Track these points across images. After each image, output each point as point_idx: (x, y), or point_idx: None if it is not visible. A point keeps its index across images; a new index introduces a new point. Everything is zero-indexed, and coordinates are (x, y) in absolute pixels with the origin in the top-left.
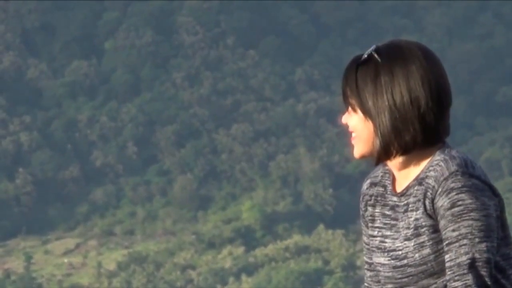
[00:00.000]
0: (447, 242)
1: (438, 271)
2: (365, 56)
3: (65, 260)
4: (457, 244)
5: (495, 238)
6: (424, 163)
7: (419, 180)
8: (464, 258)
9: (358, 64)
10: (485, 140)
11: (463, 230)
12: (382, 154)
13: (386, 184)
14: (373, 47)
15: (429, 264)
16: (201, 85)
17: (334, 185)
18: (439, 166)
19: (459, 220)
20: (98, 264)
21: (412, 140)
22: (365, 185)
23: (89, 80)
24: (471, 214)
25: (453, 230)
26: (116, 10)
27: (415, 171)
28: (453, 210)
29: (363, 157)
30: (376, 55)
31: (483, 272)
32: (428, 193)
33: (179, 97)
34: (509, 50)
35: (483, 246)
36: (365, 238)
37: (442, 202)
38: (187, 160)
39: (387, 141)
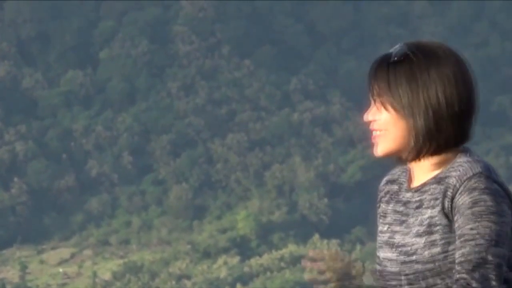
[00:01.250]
0: (462, 238)
1: (445, 271)
2: (398, 55)
3: (60, 270)
4: (473, 242)
5: (508, 247)
6: (445, 164)
7: (438, 179)
8: (477, 256)
9: (389, 63)
10: (480, 149)
11: (481, 230)
12: (415, 154)
13: (402, 181)
14: (402, 46)
15: (436, 263)
16: (196, 94)
17: (329, 195)
18: (462, 166)
19: (478, 219)
20: (93, 274)
21: (445, 141)
22: (382, 182)
23: (84, 90)
24: (491, 216)
25: (471, 229)
26: (112, 19)
27: (434, 169)
28: (473, 209)
29: (386, 155)
30: (411, 55)
31: (491, 275)
32: (448, 192)
33: (174, 106)
34: (504, 59)
35: (497, 250)
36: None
37: (463, 200)
38: (183, 170)
39: (421, 140)
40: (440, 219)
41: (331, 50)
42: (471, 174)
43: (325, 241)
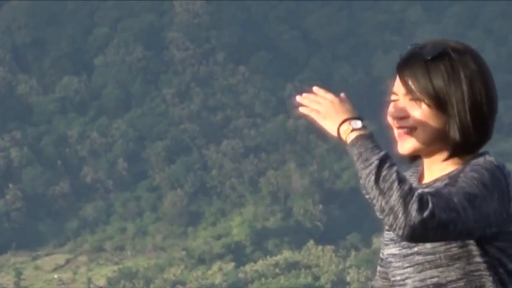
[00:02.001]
0: (450, 184)
1: (444, 264)
2: (435, 51)
3: (55, 276)
4: (453, 188)
5: (472, 215)
6: (461, 164)
7: (451, 177)
8: (445, 191)
9: (426, 59)
10: None
11: (464, 185)
12: (460, 148)
13: (411, 182)
14: (434, 43)
15: (437, 255)
16: (191, 101)
17: (324, 201)
18: (477, 160)
19: (467, 180)
20: (88, 280)
21: (485, 137)
22: None
23: (79, 96)
24: (480, 186)
25: (457, 182)
26: (106, 26)
27: (449, 168)
28: (469, 174)
29: (414, 152)
30: (450, 51)
31: (440, 211)
32: None
33: (169, 113)
34: (499, 66)
35: (464, 203)
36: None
37: (466, 170)
38: (177, 176)
39: (467, 136)
40: None
41: (326, 56)
42: (482, 161)
43: (320, 248)
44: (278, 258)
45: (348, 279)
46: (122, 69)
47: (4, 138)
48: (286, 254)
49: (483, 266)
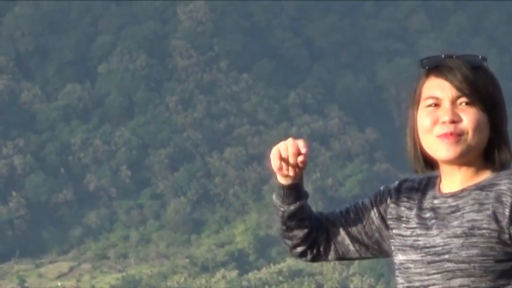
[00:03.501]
0: None
1: (477, 274)
2: (479, 61)
3: (59, 284)
4: None
5: None
6: (486, 174)
7: (481, 187)
8: None
9: (475, 67)
10: None
11: None
12: (505, 161)
13: (427, 192)
14: (472, 55)
15: (471, 265)
16: (194, 108)
17: (327, 209)
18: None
19: None
20: None
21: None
22: (404, 186)
23: (82, 104)
24: None
25: None
26: (110, 33)
27: (474, 178)
28: None
29: (461, 157)
30: (486, 62)
31: None
32: (504, 198)
33: (172, 120)
34: (502, 73)
35: None
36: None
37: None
38: (181, 184)
39: (509, 148)
40: (488, 223)
41: (329, 64)
42: None
43: None
44: (282, 265)
45: (351, 286)
46: (125, 76)
47: (7, 145)
48: (290, 262)
49: None
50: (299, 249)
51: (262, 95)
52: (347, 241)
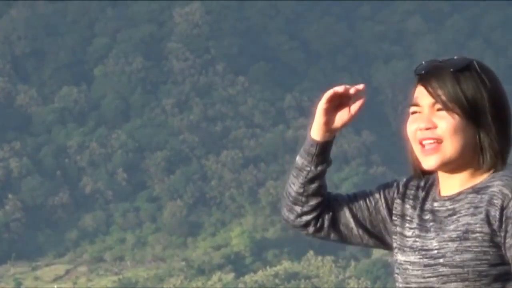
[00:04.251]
0: None
1: (471, 279)
2: (461, 63)
3: (55, 287)
4: None
5: None
6: (482, 176)
7: (476, 190)
8: None
9: (453, 70)
10: None
11: None
12: (495, 159)
13: (430, 192)
14: (460, 58)
15: (465, 269)
16: (190, 111)
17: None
18: (507, 177)
19: None
20: None
21: (507, 154)
22: (412, 183)
23: (79, 106)
24: None
25: None
26: (106, 36)
27: (470, 181)
28: None
29: (440, 166)
30: (476, 64)
31: None
32: (495, 200)
33: (168, 123)
34: (499, 76)
35: None
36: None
37: (499, 188)
38: (177, 187)
39: (497, 151)
40: (481, 227)
41: (325, 67)
42: None
43: (320, 258)
44: (278, 268)
45: None
46: (121, 79)
47: (3, 148)
48: (286, 265)
49: (510, 286)
50: (305, 218)
51: (258, 98)
52: (352, 224)
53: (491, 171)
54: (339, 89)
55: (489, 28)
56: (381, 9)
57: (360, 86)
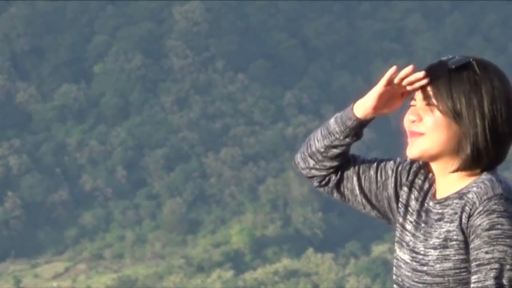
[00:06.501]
0: (477, 263)
1: (453, 287)
2: (459, 62)
3: (54, 284)
4: (488, 266)
5: None
6: (469, 179)
7: (460, 194)
8: (492, 282)
9: (450, 68)
10: None
11: (496, 254)
12: (470, 163)
13: (432, 186)
14: (461, 56)
15: (445, 278)
16: (190, 109)
17: (323, 209)
18: (484, 184)
19: (494, 243)
20: None
21: (501, 156)
22: (422, 172)
23: (78, 104)
24: (507, 240)
25: (487, 252)
26: (106, 33)
27: (458, 184)
28: (490, 232)
29: (420, 158)
30: (475, 66)
31: None
32: (467, 208)
33: (168, 120)
34: None
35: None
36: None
37: (481, 221)
38: (176, 184)
39: (480, 151)
40: (457, 234)
41: (325, 64)
42: (491, 194)
43: (319, 255)
44: (277, 266)
45: (347, 287)
46: (121, 77)
47: (2, 146)
48: (285, 262)
49: None
50: (314, 172)
51: (258, 95)
52: (357, 191)
53: (478, 175)
54: (402, 73)
55: (489, 26)
56: (381, 7)
57: (421, 74)
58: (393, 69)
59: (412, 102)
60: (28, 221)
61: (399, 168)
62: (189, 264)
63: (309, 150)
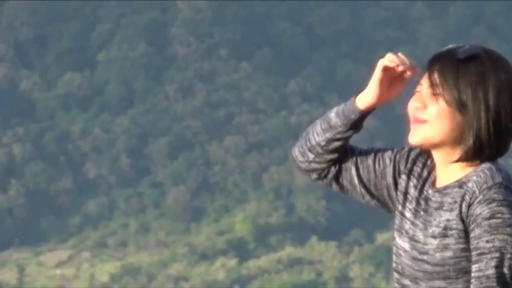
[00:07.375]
0: (478, 252)
1: (453, 276)
2: (468, 53)
3: (58, 272)
4: (489, 255)
5: None
6: (469, 169)
7: (460, 183)
8: (493, 270)
9: (458, 59)
10: None
11: (497, 243)
12: (471, 154)
13: (431, 173)
14: (470, 46)
15: (446, 267)
16: (194, 97)
17: (327, 197)
18: (484, 173)
19: (495, 232)
20: (91, 276)
21: (504, 148)
22: (420, 159)
23: (82, 92)
24: (508, 229)
25: (487, 241)
26: (109, 22)
27: (458, 173)
28: (491, 221)
29: (422, 145)
30: (484, 57)
31: None
32: (467, 197)
33: (172, 109)
34: None
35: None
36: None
37: (481, 210)
38: (180, 172)
39: (483, 143)
40: (457, 223)
41: (329, 53)
42: (491, 183)
43: (323, 243)
44: (281, 254)
45: (351, 275)
46: (124, 65)
47: (6, 134)
48: (289, 250)
49: None
50: (313, 166)
51: (261, 83)
52: (356, 182)
53: (478, 164)
54: (396, 60)
55: (493, 15)
56: None
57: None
58: (388, 55)
59: (418, 88)
60: (31, 209)
61: (397, 156)
62: (192, 252)
63: (308, 143)
